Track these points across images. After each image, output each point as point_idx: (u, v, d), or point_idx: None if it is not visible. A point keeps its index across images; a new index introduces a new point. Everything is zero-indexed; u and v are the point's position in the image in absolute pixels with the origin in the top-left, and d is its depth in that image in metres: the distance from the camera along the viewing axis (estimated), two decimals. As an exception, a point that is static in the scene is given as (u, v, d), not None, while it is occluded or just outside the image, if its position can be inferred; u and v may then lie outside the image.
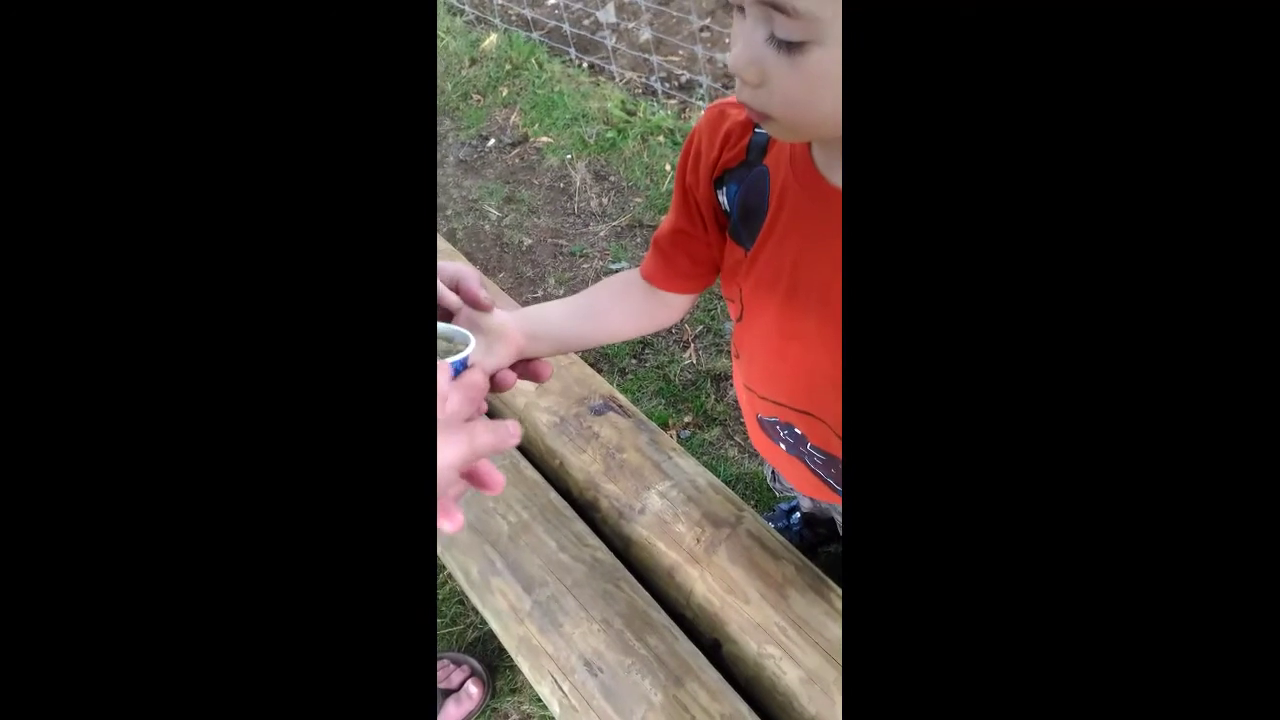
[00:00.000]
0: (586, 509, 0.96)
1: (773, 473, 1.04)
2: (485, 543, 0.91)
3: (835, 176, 0.52)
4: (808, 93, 0.42)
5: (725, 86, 2.01)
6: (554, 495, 0.96)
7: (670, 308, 0.70)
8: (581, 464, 0.97)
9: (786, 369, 0.65)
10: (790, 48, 0.40)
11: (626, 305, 0.69)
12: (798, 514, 1.23)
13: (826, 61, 0.40)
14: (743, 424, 1.42)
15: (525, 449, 1.03)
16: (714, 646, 0.82)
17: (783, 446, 0.75)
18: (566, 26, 2.22)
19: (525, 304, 1.66)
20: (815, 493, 0.79)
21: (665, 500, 0.92)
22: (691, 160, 0.61)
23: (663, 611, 0.84)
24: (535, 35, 2.33)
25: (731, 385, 1.48)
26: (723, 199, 0.60)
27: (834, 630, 0.79)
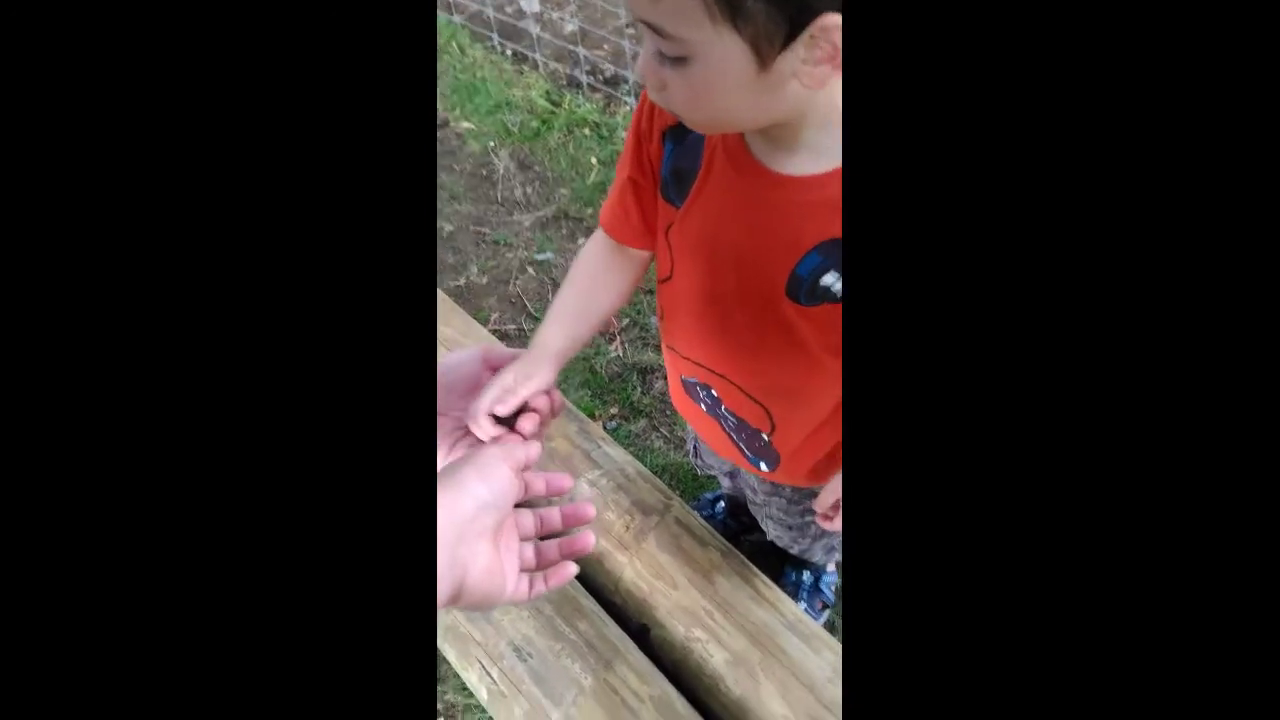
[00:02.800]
0: (514, 498, 0.95)
1: (694, 447, 1.06)
2: (410, 533, 0.88)
3: (759, 153, 0.56)
4: (697, 99, 0.48)
5: (651, 82, 2.03)
6: (481, 485, 0.94)
7: (636, 263, 0.72)
8: (510, 453, 0.96)
9: (705, 330, 0.68)
10: (674, 62, 0.46)
11: (609, 282, 0.71)
12: (722, 503, 1.26)
13: (707, 74, 0.46)
14: (669, 416, 1.44)
15: (451, 438, 1.01)
16: (642, 631, 0.84)
17: (702, 407, 0.78)
18: (489, 11, 2.18)
19: (448, 291, 1.62)
20: (729, 454, 0.82)
21: (595, 489, 0.92)
22: (648, 108, 0.62)
23: (592, 598, 0.84)
24: (456, 19, 2.27)
25: (657, 378, 1.49)
26: (666, 151, 0.63)
27: (758, 614, 0.82)
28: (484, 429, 0.59)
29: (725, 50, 0.44)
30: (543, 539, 0.54)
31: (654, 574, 0.85)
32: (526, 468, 0.51)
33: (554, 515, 0.54)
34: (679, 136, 0.61)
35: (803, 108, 0.49)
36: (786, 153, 0.54)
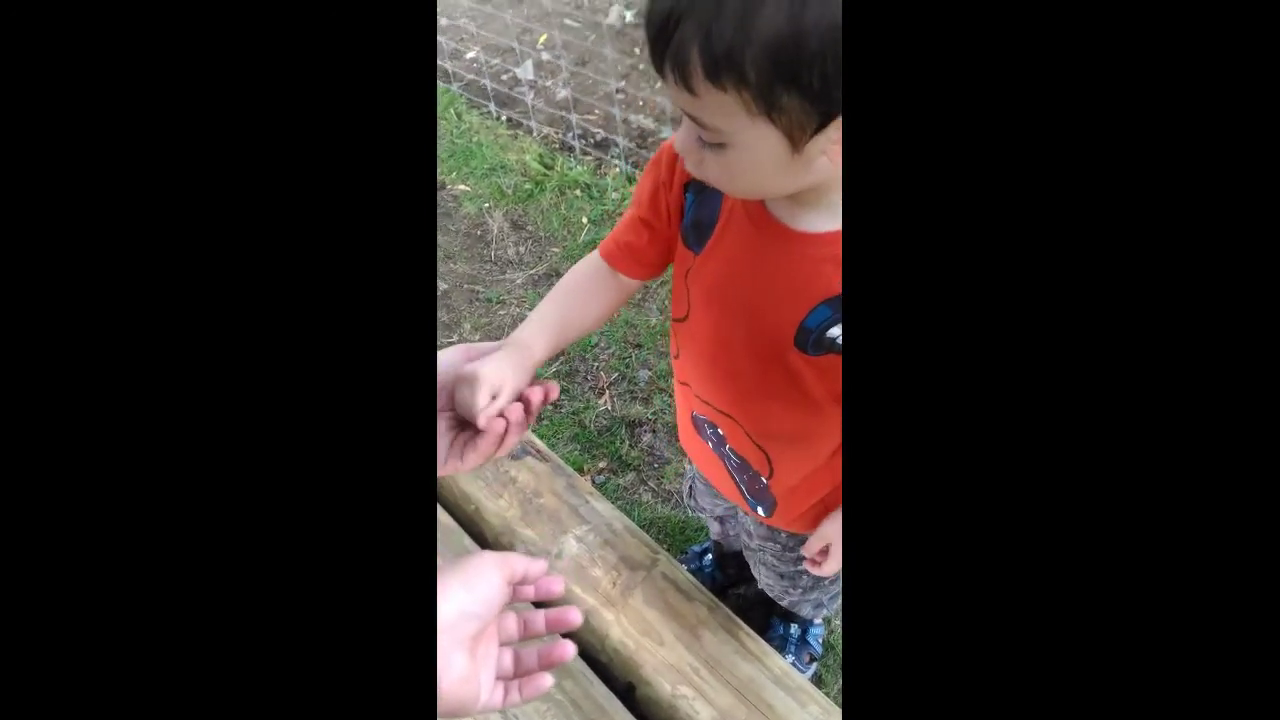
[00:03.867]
0: (502, 554, 0.95)
1: (691, 487, 1.08)
2: (397, 591, 0.88)
3: (776, 210, 0.61)
4: (733, 177, 0.54)
5: (639, 146, 2.10)
6: (469, 542, 0.95)
7: (622, 291, 0.76)
8: (498, 509, 0.97)
9: (716, 371, 0.71)
10: (713, 146, 0.51)
11: (593, 301, 0.75)
12: (709, 556, 1.26)
13: (743, 158, 0.51)
14: (656, 469, 1.45)
15: (440, 494, 1.02)
16: (628, 690, 0.83)
17: (709, 445, 0.81)
18: (486, 81, 2.27)
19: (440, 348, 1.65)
20: (730, 494, 0.85)
21: (582, 544, 0.93)
22: (669, 159, 0.67)
23: (578, 657, 0.84)
24: (454, 87, 2.36)
25: (645, 431, 1.51)
26: (687, 201, 0.68)
27: (745, 669, 0.81)
28: (485, 423, 0.59)
29: (761, 138, 0.48)
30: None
31: (641, 630, 0.86)
32: (523, 581, 0.51)
33: (538, 619, 0.53)
34: (700, 189, 0.66)
35: (828, 176, 0.53)
36: (803, 210, 0.58)
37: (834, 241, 0.57)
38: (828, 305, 0.59)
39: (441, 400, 0.61)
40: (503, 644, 0.51)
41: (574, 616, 0.52)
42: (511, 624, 0.53)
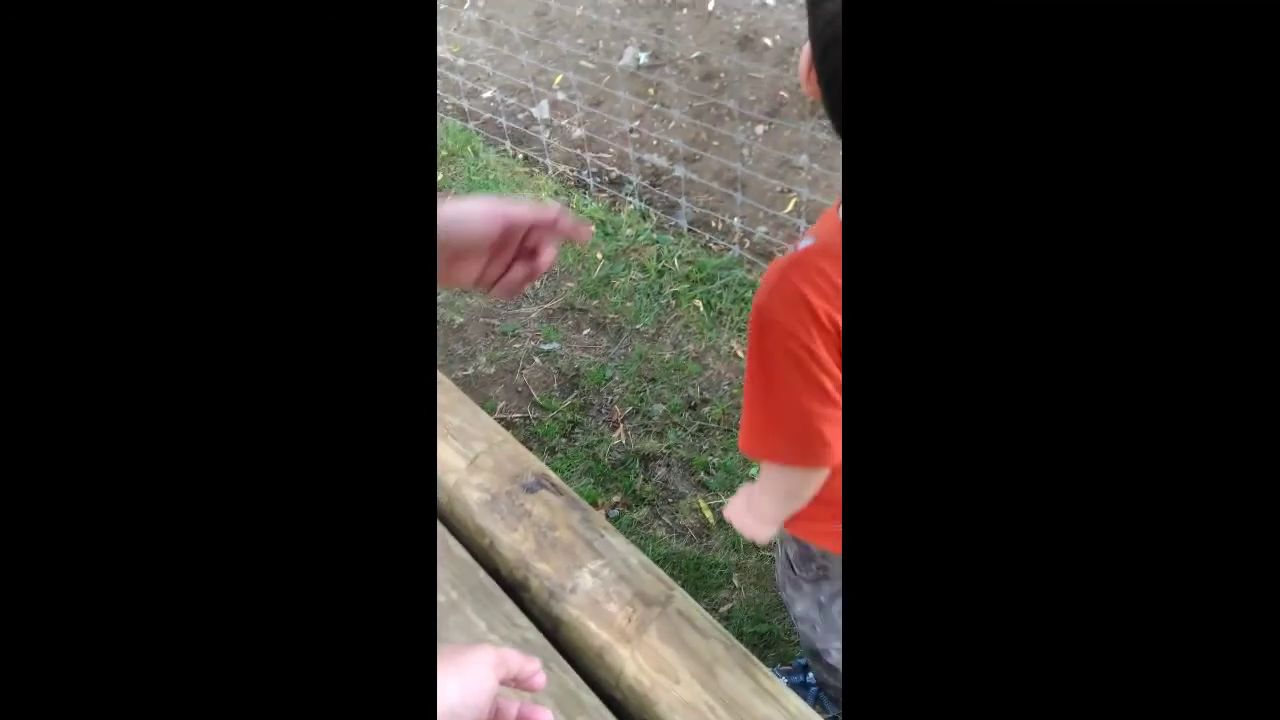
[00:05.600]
0: (516, 588, 0.95)
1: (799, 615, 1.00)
2: (411, 625, 0.88)
3: None
4: None
5: (653, 184, 2.14)
6: (483, 575, 0.94)
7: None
8: (512, 542, 0.97)
9: None
10: None
11: None
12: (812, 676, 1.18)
13: None
14: (670, 503, 1.44)
15: (454, 527, 1.02)
16: (644, 729, 0.82)
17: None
18: (502, 119, 2.33)
19: (455, 381, 1.66)
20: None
21: (597, 579, 0.92)
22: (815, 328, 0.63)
23: (592, 693, 0.83)
24: (471, 125, 2.42)
25: (659, 465, 1.51)
26: None
27: (761, 708, 0.80)
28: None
29: None
30: None
31: (656, 668, 0.84)
32: (518, 682, 0.50)
33: (511, 710, 0.52)
34: None
35: None
36: None
37: None
38: None
39: (472, 248, 0.60)
40: None
41: (544, 717, 0.52)
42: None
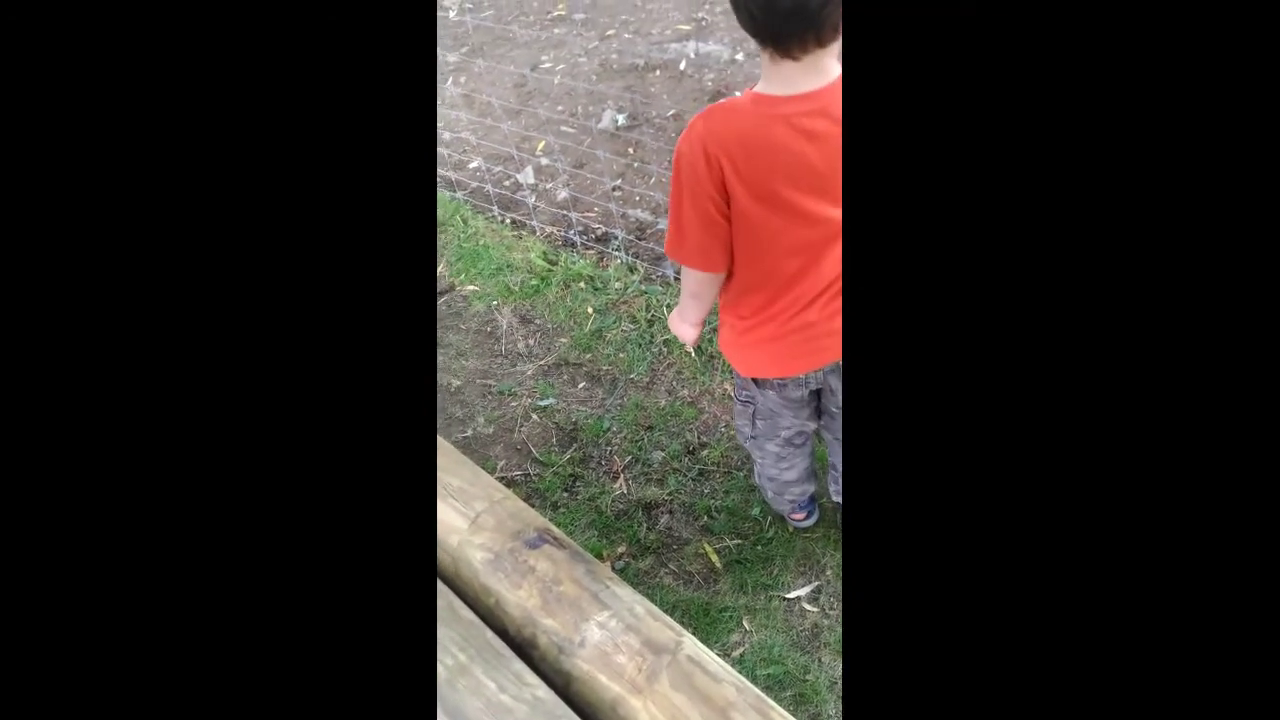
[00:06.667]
0: (524, 646, 0.95)
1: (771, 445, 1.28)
2: (421, 691, 0.88)
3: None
4: None
5: (638, 238, 2.19)
6: (490, 635, 0.94)
7: None
8: (518, 600, 0.97)
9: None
10: None
11: None
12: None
13: None
14: (675, 550, 1.44)
15: (460, 588, 1.02)
16: (661, 781, 0.81)
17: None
18: (489, 187, 2.40)
19: (455, 443, 1.67)
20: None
21: (605, 630, 0.92)
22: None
23: (608, 748, 0.82)
24: (459, 195, 2.50)
25: (662, 513, 1.51)
26: None
27: (778, 751, 0.79)
28: None
29: None
30: None
31: (669, 717, 0.84)
32: None
33: None
34: None
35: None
36: None
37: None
38: None
39: None
40: None
41: None
42: None
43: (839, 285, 1.00)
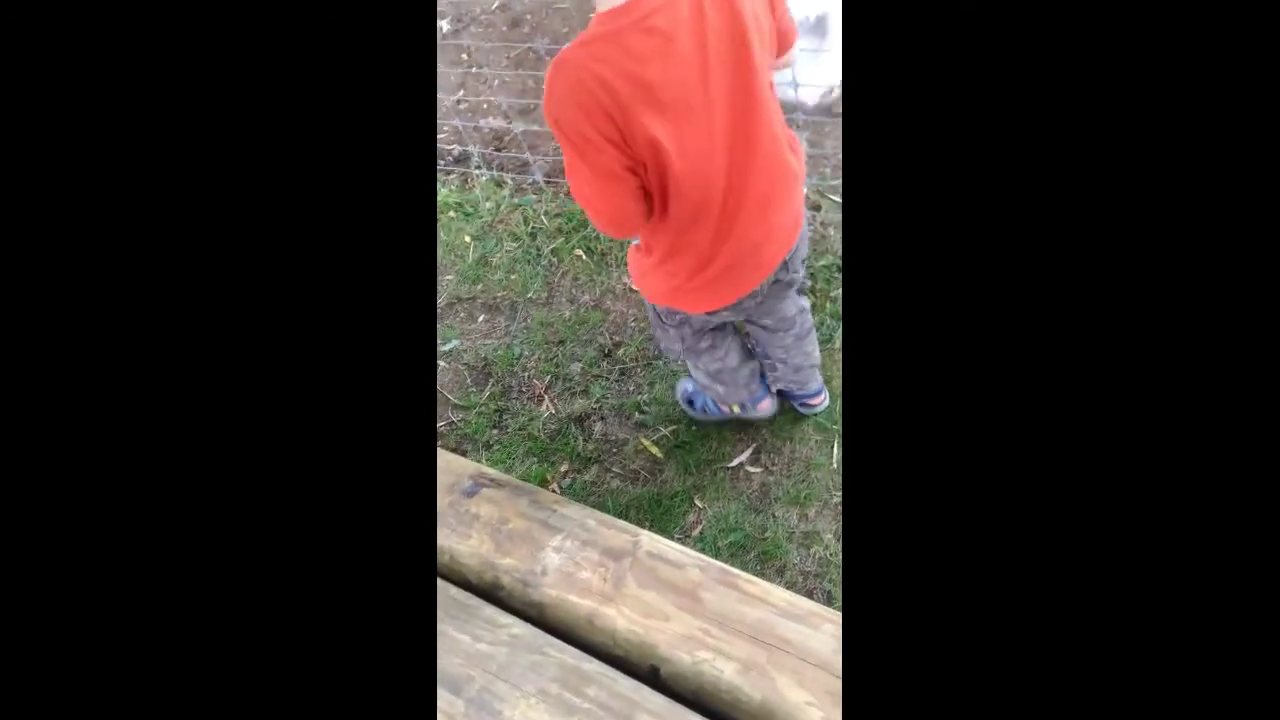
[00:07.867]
0: (489, 591, 0.94)
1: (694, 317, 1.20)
2: (397, 665, 0.87)
3: None
4: None
5: (496, 149, 2.06)
6: (454, 591, 0.93)
7: None
8: (470, 549, 0.96)
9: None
10: None
11: None
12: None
13: None
14: (616, 453, 1.45)
15: (410, 556, 1.00)
16: (652, 673, 0.84)
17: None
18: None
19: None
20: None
21: (562, 553, 0.92)
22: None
23: (593, 659, 0.84)
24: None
25: (595, 420, 1.51)
26: None
27: (751, 615, 0.83)
28: None
29: None
30: None
31: (644, 614, 0.86)
32: None
33: None
34: None
35: None
36: None
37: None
38: None
39: None
40: None
41: None
42: None
43: (766, 197, 0.95)
